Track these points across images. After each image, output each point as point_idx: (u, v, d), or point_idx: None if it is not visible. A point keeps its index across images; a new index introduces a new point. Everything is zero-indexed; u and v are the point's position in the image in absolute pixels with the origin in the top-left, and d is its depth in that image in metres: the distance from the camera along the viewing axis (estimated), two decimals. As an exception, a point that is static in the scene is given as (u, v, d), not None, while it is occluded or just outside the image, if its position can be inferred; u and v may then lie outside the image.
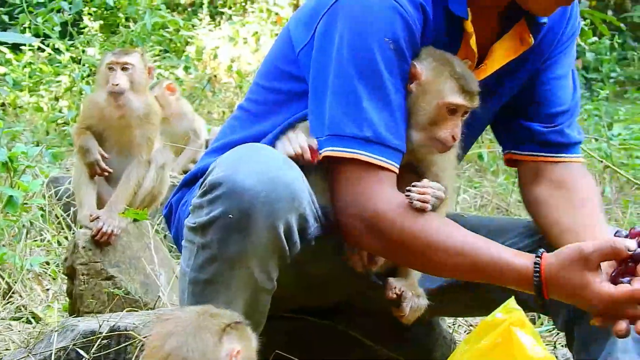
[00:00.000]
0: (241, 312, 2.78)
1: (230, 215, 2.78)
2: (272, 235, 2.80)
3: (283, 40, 3.27)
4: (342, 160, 2.92)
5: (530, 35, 3.14)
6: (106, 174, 4.60)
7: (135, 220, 4.49)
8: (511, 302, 2.85)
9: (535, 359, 2.86)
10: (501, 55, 3.16)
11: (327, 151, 2.92)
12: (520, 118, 3.32)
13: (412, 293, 3.16)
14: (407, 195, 2.79)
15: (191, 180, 3.34)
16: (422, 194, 2.82)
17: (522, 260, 2.84)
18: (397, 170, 2.93)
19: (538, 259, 2.80)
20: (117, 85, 4.52)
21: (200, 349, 2.29)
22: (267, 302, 2.93)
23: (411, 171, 3.08)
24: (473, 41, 3.02)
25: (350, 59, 2.96)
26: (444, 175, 3.18)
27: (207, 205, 2.81)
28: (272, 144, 3.07)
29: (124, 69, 4.57)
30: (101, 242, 4.35)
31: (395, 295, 3.12)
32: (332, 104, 2.97)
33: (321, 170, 3.07)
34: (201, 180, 2.94)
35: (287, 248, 2.82)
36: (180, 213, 3.33)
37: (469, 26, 3.02)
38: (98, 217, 4.40)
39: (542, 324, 4.49)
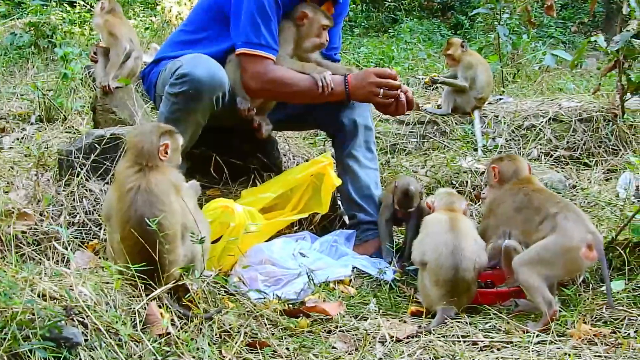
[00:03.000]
0: (189, 134, 3.85)
1: (190, 91, 3.75)
2: (210, 100, 3.81)
3: None
4: (251, 55, 3.97)
5: (333, 9, 4.33)
6: (95, 59, 5.48)
7: (126, 84, 5.39)
8: (327, 154, 4.28)
9: (334, 185, 4.13)
10: None
11: (243, 49, 3.96)
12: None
13: (265, 123, 4.29)
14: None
15: (156, 60, 4.35)
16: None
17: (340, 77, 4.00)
18: (274, 59, 4.00)
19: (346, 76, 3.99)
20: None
21: (149, 139, 3.07)
22: (200, 130, 3.97)
23: None
24: None
25: (255, 6, 3.93)
26: (320, 58, 4.31)
27: (179, 84, 3.77)
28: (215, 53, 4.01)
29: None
30: (107, 92, 5.26)
31: (257, 125, 4.26)
32: (245, 27, 3.95)
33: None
34: (174, 70, 3.82)
35: (215, 107, 3.85)
36: (150, 76, 4.33)
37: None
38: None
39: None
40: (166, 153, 3.06)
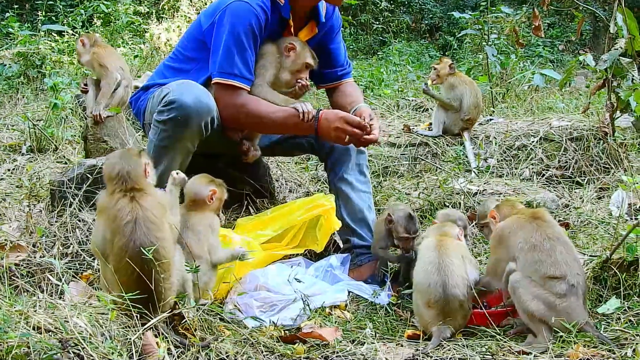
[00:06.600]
0: (179, 161, 3.90)
1: (178, 117, 3.78)
2: (198, 126, 3.83)
3: (196, 24, 4.27)
4: (224, 85, 3.97)
5: (317, 28, 4.34)
6: (85, 89, 5.53)
7: (116, 113, 5.45)
8: (331, 197, 4.17)
9: (334, 228, 4.14)
10: (303, 37, 4.29)
11: (216, 79, 3.97)
12: (325, 68, 4.47)
13: (253, 147, 4.36)
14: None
15: (145, 87, 4.36)
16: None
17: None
18: (248, 89, 4.00)
19: (320, 111, 3.97)
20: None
21: (132, 162, 3.05)
22: (190, 157, 3.96)
23: None
24: (291, 30, 4.22)
25: (230, 36, 3.95)
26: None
27: (167, 111, 3.79)
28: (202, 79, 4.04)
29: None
30: (98, 122, 5.33)
31: (245, 149, 4.31)
32: (221, 57, 3.96)
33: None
34: (162, 97, 3.83)
35: (204, 133, 3.87)
36: (139, 103, 4.33)
37: (291, 23, 4.21)
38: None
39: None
40: (148, 172, 3.09)
